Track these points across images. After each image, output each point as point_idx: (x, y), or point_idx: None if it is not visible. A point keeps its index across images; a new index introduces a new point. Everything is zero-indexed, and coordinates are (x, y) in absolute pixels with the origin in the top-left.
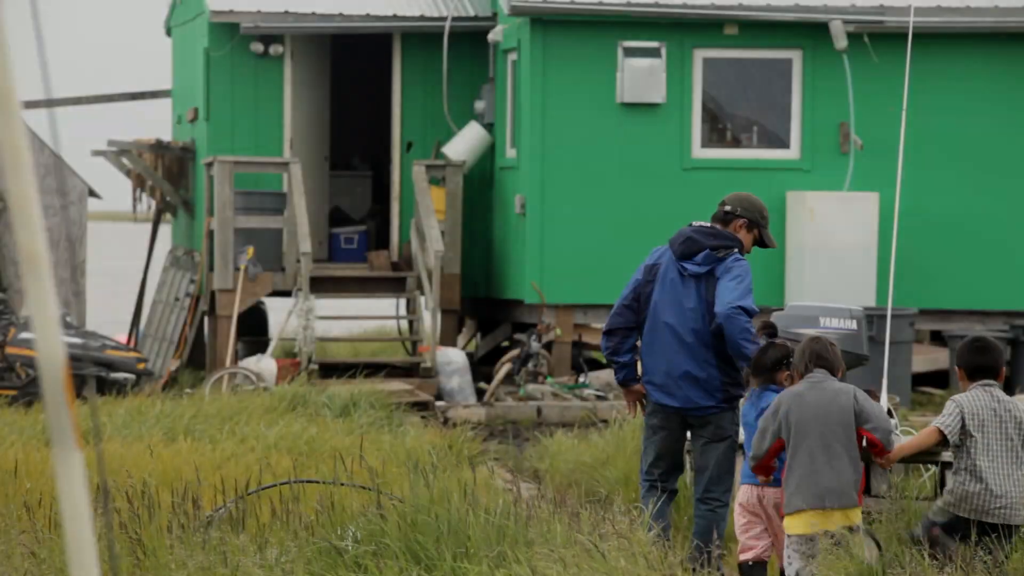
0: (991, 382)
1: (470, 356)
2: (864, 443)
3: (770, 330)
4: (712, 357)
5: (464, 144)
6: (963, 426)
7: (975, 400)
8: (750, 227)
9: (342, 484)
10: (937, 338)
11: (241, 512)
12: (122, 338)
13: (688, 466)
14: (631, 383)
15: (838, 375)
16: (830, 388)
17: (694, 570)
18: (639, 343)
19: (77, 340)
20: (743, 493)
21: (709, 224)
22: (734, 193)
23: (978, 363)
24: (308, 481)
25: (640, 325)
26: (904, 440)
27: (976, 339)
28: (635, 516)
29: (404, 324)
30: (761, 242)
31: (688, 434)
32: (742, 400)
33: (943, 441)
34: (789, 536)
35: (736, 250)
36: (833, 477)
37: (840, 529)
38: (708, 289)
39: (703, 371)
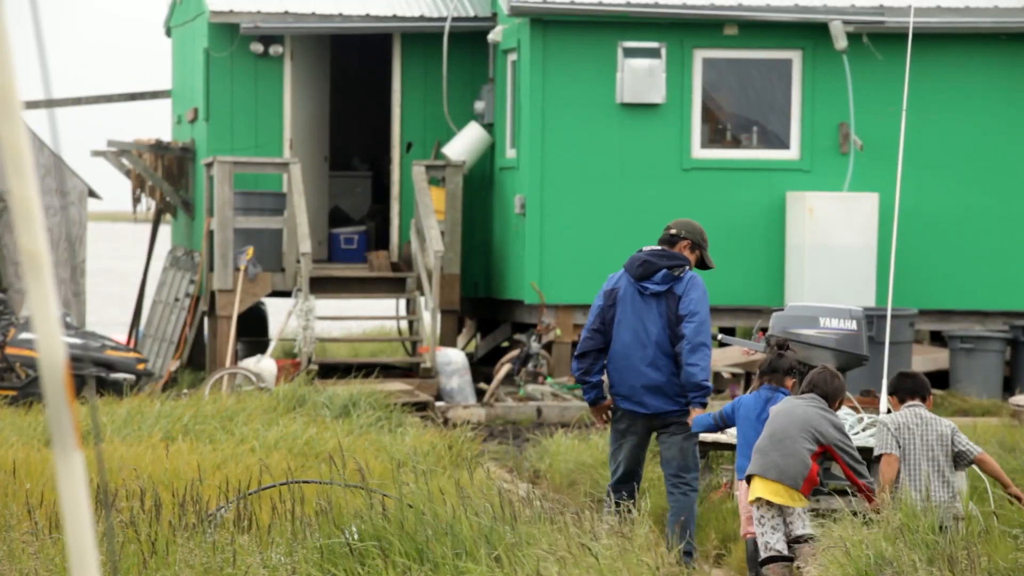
0: (916, 403)
1: (470, 356)
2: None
3: (781, 344)
4: (673, 366)
5: (464, 144)
6: (896, 440)
7: (898, 417)
8: (693, 248)
9: (341, 484)
10: (937, 338)
11: (246, 512)
12: (122, 338)
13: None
14: (600, 401)
15: (834, 405)
16: (800, 401)
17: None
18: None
19: (77, 340)
20: (744, 489)
21: (660, 247)
22: (678, 219)
23: (907, 387)
24: (307, 481)
25: (607, 346)
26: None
27: (903, 372)
28: (626, 516)
29: (404, 324)
30: (702, 263)
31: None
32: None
33: (901, 458)
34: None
35: (687, 267)
36: (780, 458)
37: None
38: (668, 305)
39: (666, 379)
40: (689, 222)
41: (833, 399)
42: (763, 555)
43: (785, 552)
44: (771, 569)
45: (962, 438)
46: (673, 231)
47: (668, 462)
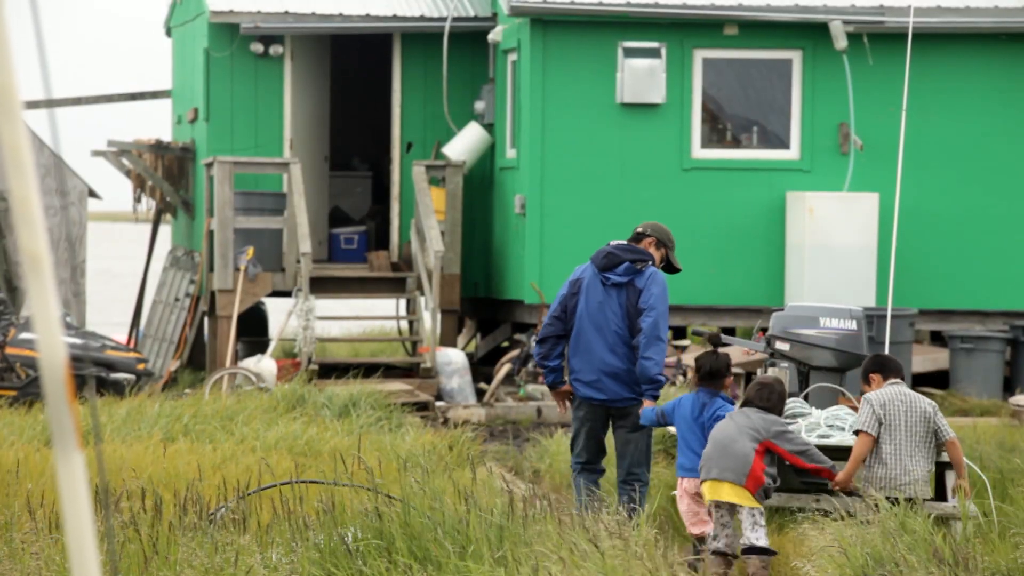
0: (898, 382)
1: (470, 356)
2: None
3: (715, 340)
4: (631, 355)
5: (464, 144)
6: (878, 419)
7: (883, 394)
8: (658, 245)
9: (340, 484)
10: (937, 338)
11: (242, 512)
12: (122, 338)
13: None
14: (559, 385)
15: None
16: (738, 413)
17: None
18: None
19: (77, 340)
20: (689, 484)
21: (626, 243)
22: (646, 221)
23: (892, 367)
24: (308, 481)
25: (568, 333)
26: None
27: (882, 354)
28: (625, 517)
29: (404, 324)
30: (669, 264)
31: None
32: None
33: (876, 439)
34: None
35: (650, 262)
36: (722, 459)
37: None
38: (629, 297)
39: (625, 366)
40: (656, 224)
41: (771, 412)
42: (711, 547)
43: (727, 551)
44: (715, 561)
45: (941, 418)
46: (639, 229)
47: (621, 457)
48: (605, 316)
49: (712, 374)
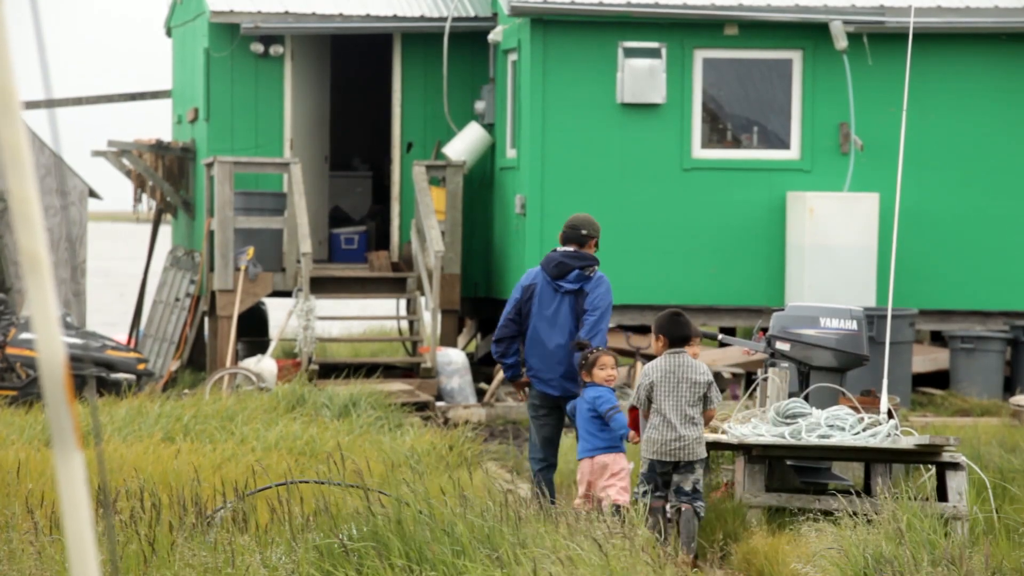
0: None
1: (470, 356)
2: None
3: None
4: None
5: (464, 144)
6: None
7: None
8: (596, 244)
9: (339, 484)
10: (937, 338)
11: (242, 512)
12: (122, 338)
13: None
14: (518, 377)
15: (692, 342)
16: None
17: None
18: (521, 348)
19: (77, 340)
20: (585, 464)
21: (572, 249)
22: (580, 216)
23: (678, 334)
24: (305, 482)
25: (522, 334)
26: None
27: (676, 312)
28: (628, 517)
29: (404, 324)
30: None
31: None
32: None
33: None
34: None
35: (596, 267)
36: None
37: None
38: (579, 302)
39: (575, 366)
40: (591, 219)
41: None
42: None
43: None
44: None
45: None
46: (584, 232)
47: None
48: (557, 321)
49: (580, 367)
